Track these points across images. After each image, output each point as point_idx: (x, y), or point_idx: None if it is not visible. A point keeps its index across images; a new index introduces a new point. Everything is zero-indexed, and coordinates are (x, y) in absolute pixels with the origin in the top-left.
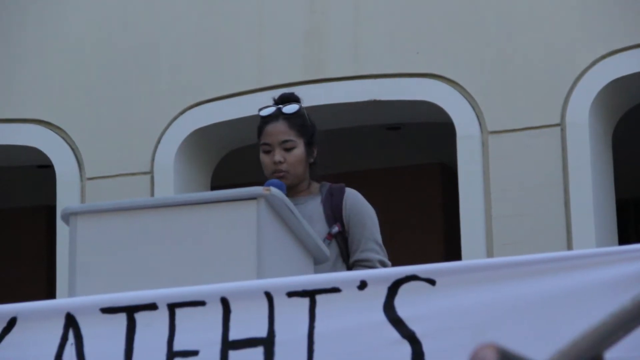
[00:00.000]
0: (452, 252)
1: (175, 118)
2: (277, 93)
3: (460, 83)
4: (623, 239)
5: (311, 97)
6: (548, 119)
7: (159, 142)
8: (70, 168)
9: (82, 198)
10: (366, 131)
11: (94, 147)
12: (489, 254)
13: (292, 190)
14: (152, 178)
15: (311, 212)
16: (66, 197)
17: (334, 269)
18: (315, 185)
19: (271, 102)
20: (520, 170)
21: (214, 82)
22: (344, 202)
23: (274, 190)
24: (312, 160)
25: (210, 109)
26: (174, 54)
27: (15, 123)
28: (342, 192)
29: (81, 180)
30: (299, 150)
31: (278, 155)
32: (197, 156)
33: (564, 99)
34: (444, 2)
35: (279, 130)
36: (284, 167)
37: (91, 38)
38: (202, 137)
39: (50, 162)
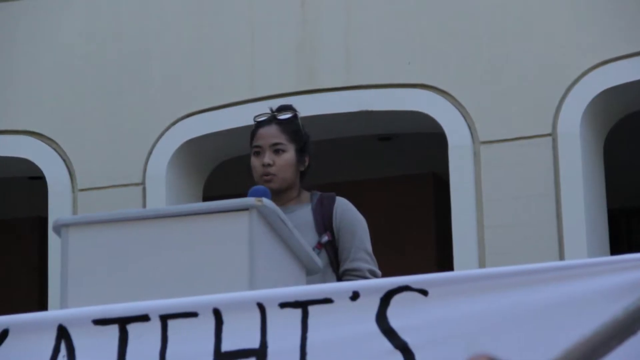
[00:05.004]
0: (445, 262)
1: (167, 129)
2: (269, 103)
3: (452, 93)
4: (615, 249)
5: (303, 107)
6: (539, 129)
7: (150, 153)
8: (62, 179)
9: (74, 209)
10: (358, 141)
11: (85, 159)
12: (481, 264)
13: (281, 198)
14: (144, 189)
15: (301, 220)
16: (58, 208)
17: (323, 278)
18: (306, 194)
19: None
20: (512, 180)
21: (206, 93)
22: (334, 211)
23: (266, 201)
24: (302, 168)
25: (202, 120)
26: (166, 65)
27: (6, 134)
28: (333, 201)
29: (73, 191)
30: (289, 155)
31: (267, 157)
32: (189, 167)
33: (556, 108)
34: (435, 13)
35: (270, 134)
36: (272, 169)
37: (83, 49)
38: (194, 148)
39: (41, 173)
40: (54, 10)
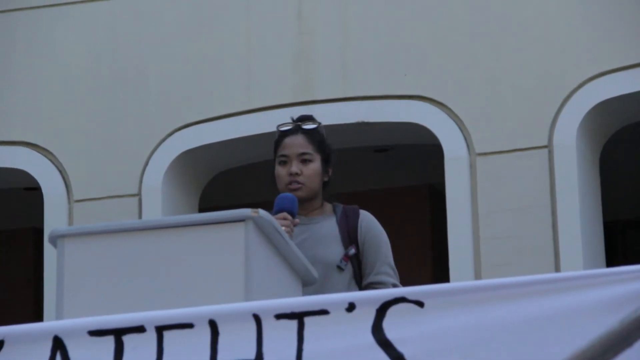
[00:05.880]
0: (441, 273)
1: (163, 140)
2: (265, 115)
3: (448, 105)
4: (610, 261)
5: None
6: (535, 141)
7: (146, 164)
8: (58, 190)
9: (70, 220)
10: (354, 153)
11: (81, 170)
12: (477, 275)
13: (306, 208)
14: (140, 200)
15: (327, 232)
16: (54, 219)
17: (347, 291)
18: (328, 206)
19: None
20: (508, 192)
21: (202, 104)
22: (359, 224)
23: (262, 212)
24: (326, 179)
25: (198, 131)
26: (162, 76)
27: (2, 145)
28: (357, 214)
29: (69, 202)
30: (316, 164)
31: (295, 166)
32: (185, 178)
33: (552, 120)
34: (432, 24)
35: (298, 143)
36: (300, 179)
37: (79, 60)
38: (190, 159)
39: (37, 184)
40: (51, 21)
